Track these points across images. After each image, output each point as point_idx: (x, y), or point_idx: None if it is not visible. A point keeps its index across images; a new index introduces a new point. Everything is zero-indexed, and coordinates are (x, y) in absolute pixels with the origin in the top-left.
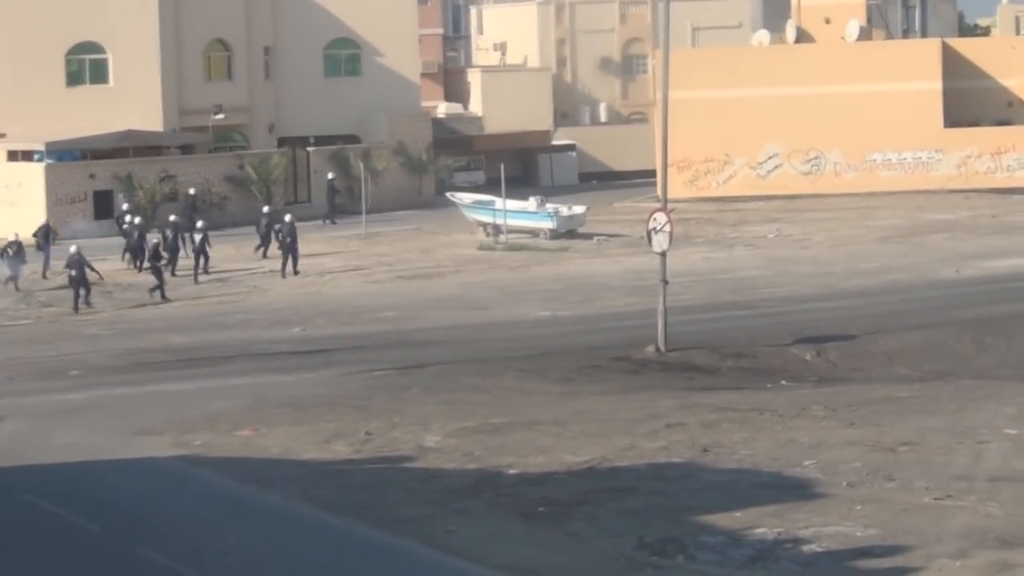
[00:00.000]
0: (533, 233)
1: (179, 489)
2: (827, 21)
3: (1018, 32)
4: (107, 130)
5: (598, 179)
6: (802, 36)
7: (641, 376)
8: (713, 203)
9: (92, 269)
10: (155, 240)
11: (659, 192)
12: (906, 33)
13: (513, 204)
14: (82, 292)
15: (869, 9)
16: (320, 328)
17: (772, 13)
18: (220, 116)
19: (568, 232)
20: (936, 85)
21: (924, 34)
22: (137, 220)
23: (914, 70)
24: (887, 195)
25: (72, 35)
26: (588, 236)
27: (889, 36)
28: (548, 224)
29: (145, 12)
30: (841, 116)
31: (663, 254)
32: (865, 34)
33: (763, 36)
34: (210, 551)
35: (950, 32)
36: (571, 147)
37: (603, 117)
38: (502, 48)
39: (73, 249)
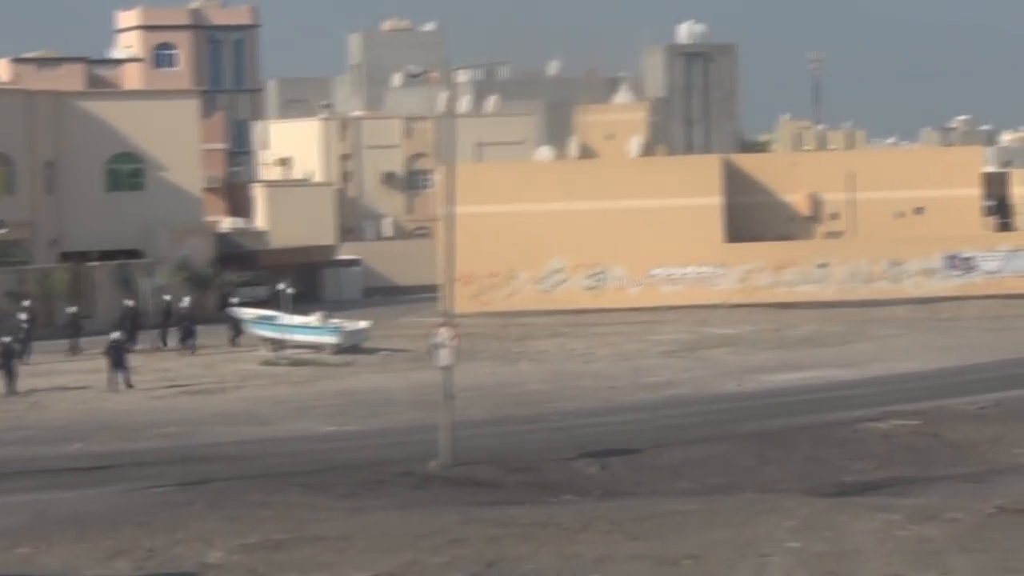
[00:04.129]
0: (317, 348)
1: None
2: (609, 137)
3: (798, 147)
4: None
5: (383, 294)
6: (585, 152)
7: (426, 491)
8: (498, 318)
9: None
10: None
11: (443, 306)
12: (689, 149)
13: (297, 319)
14: None
15: (651, 126)
16: (102, 444)
17: (555, 130)
18: (1, 231)
19: (353, 347)
20: (716, 200)
21: (708, 150)
22: None
23: (695, 186)
24: (670, 309)
25: None
26: (373, 351)
27: (671, 152)
28: (332, 339)
29: None
30: (624, 231)
31: (447, 368)
32: (648, 150)
33: (545, 152)
34: None
35: (732, 148)
36: (356, 262)
37: (388, 232)
38: (286, 163)
39: None
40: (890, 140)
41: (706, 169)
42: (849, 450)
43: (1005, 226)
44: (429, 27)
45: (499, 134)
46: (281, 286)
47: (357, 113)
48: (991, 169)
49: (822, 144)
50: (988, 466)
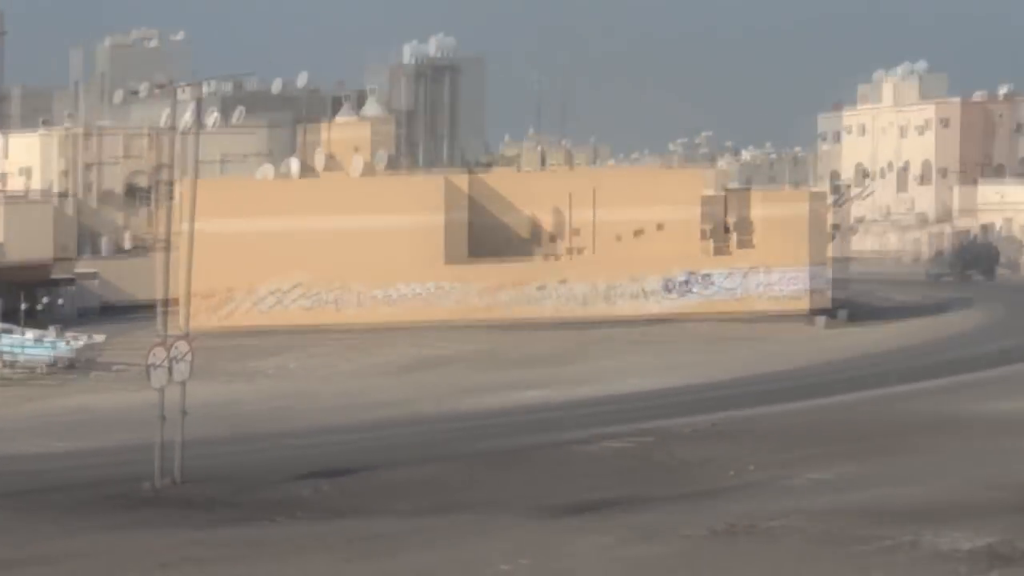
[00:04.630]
0: (46, 363)
1: None
2: (331, 157)
3: (543, 164)
4: None
5: (115, 310)
6: (309, 170)
7: (138, 512)
8: (218, 336)
9: None
10: None
11: (163, 324)
12: (434, 164)
13: (29, 334)
14: None
15: (395, 139)
16: None
17: (278, 147)
18: None
19: (86, 362)
20: (439, 219)
21: (453, 165)
22: None
23: (417, 204)
24: (390, 329)
25: None
26: (105, 367)
27: (415, 167)
28: (60, 354)
29: None
30: (347, 250)
31: (181, 384)
32: (391, 164)
33: (268, 170)
34: None
35: (477, 164)
36: (91, 275)
37: (121, 246)
38: (24, 174)
39: None
40: (634, 156)
41: (429, 187)
42: (568, 470)
43: (741, 243)
44: (178, 37)
45: (242, 147)
46: (46, 299)
47: (101, 123)
48: (735, 186)
49: (569, 160)
50: (707, 485)
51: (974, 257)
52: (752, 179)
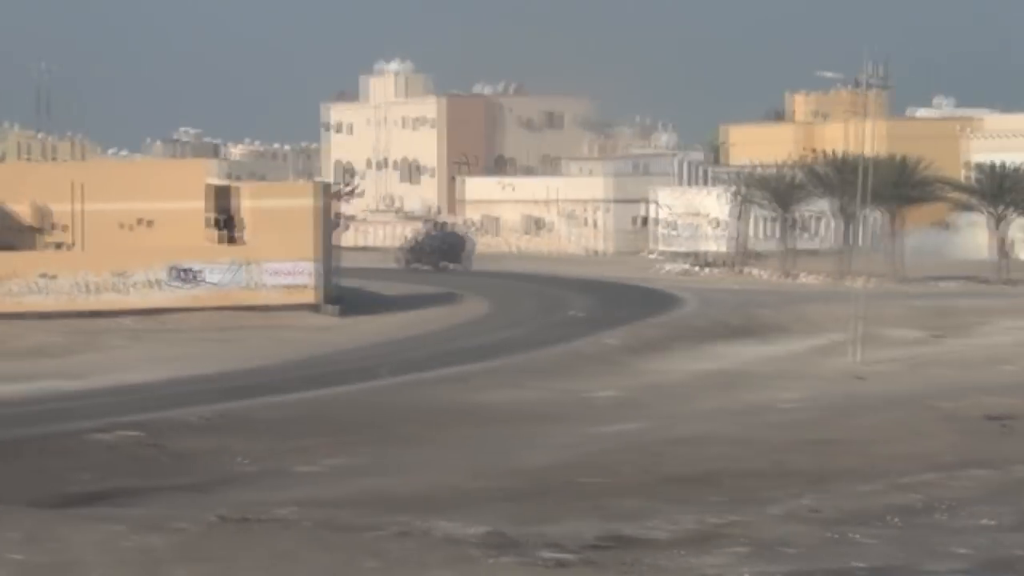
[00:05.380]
0: None
1: None
2: None
3: (24, 157)
4: None
5: None
6: None
7: None
8: None
9: None
10: None
11: None
12: None
13: None
14: None
15: None
16: None
17: None
18: None
19: None
20: None
21: None
22: None
23: None
24: None
25: None
26: None
27: None
28: None
29: None
30: None
31: None
32: None
33: None
34: None
35: None
36: None
37: None
38: None
39: None
40: (121, 152)
41: None
42: (73, 461)
43: (231, 239)
44: None
45: None
46: None
47: None
48: (218, 182)
49: (48, 155)
50: (211, 476)
51: (446, 248)
52: (262, 170)
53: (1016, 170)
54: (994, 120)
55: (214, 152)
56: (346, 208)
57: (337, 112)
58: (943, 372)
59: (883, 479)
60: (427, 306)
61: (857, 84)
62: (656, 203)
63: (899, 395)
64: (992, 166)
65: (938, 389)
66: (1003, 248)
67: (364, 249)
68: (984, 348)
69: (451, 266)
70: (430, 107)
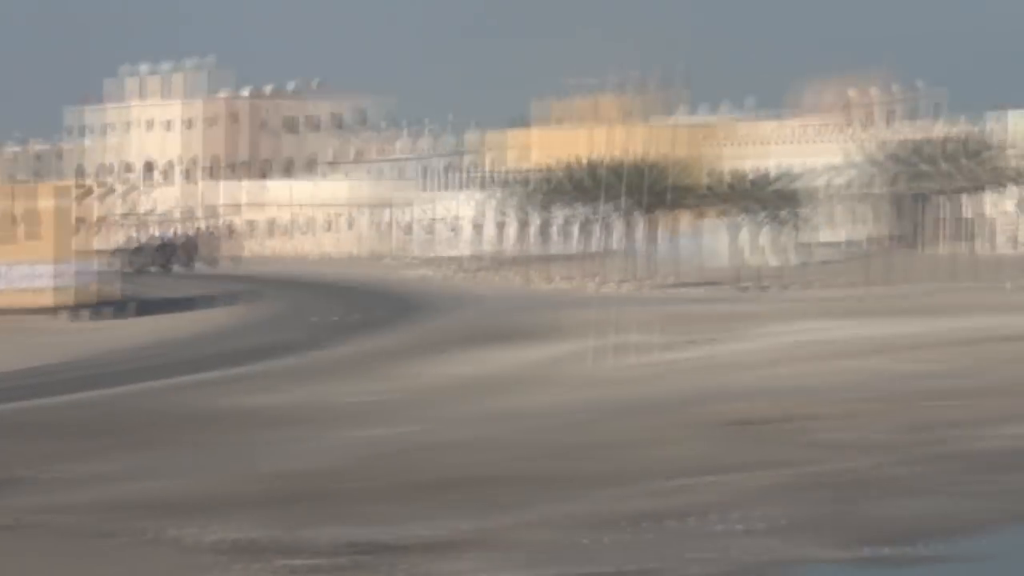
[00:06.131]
0: None
1: None
2: None
3: None
4: None
5: None
6: None
7: None
8: None
9: None
10: None
11: None
12: None
13: None
14: None
15: None
16: None
17: None
18: None
19: None
20: None
21: None
22: None
23: None
24: None
25: None
26: None
27: None
28: None
29: None
30: None
31: None
32: None
33: None
34: None
35: None
36: None
37: None
38: None
39: None
40: None
41: None
42: None
43: None
44: None
45: None
46: None
47: None
48: None
49: None
50: None
51: (170, 252)
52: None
53: (766, 176)
54: (746, 127)
55: None
56: (99, 211)
57: (89, 114)
58: (693, 378)
59: (633, 484)
60: (185, 310)
61: (613, 89)
62: (412, 206)
63: (650, 400)
64: (744, 172)
65: (688, 395)
66: (754, 254)
67: (115, 252)
68: (733, 353)
69: (183, 269)
70: (187, 109)
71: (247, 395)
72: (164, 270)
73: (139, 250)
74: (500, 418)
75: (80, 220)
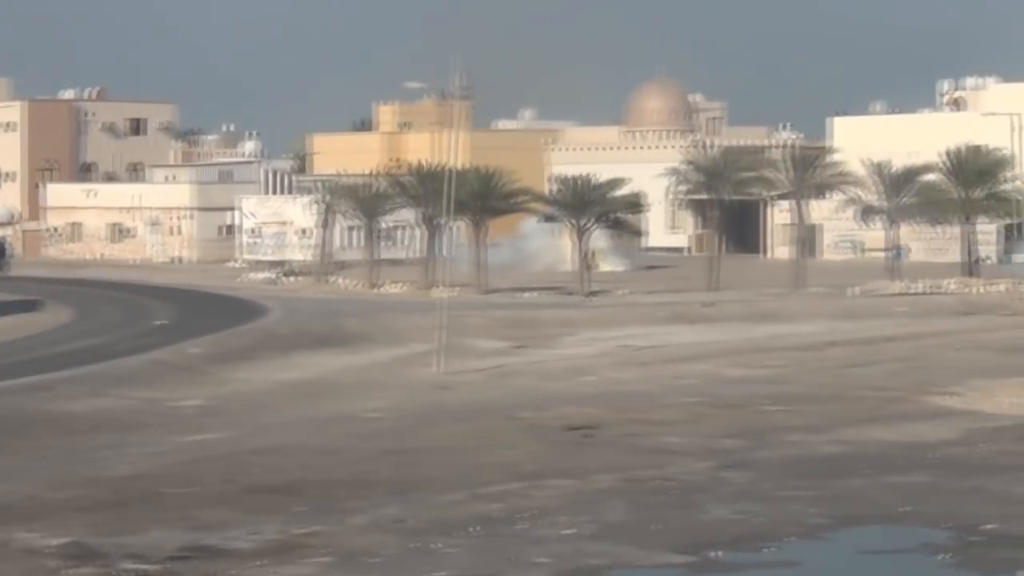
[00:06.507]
0: None
1: None
2: None
3: None
4: None
5: None
6: None
7: None
8: None
9: None
10: None
11: None
12: None
13: None
14: None
15: None
16: None
17: None
18: None
19: None
20: None
21: None
22: None
23: None
24: None
25: None
26: None
27: None
28: None
29: None
30: None
31: None
32: None
33: None
34: None
35: None
36: None
37: None
38: None
39: None
40: None
41: None
42: None
43: None
44: None
45: None
46: None
47: None
48: None
49: None
50: None
51: None
52: None
53: (590, 181)
54: (573, 133)
55: None
56: None
57: None
58: (526, 382)
59: (466, 489)
60: (12, 313)
61: (442, 95)
62: (241, 211)
63: (482, 405)
64: (573, 178)
65: (521, 399)
66: (584, 260)
67: None
68: (566, 359)
69: None
70: (12, 111)
71: (73, 400)
72: None
73: None
74: (331, 422)
75: None
